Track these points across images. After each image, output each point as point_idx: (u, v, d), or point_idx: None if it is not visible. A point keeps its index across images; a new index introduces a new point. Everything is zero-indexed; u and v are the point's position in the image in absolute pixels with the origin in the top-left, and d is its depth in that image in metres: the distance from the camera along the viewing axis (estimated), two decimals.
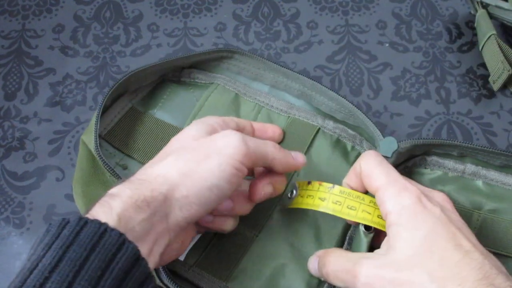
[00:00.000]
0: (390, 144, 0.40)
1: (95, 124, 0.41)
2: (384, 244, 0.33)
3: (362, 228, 0.37)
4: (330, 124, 0.45)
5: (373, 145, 0.43)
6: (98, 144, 0.40)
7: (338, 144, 0.44)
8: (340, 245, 0.40)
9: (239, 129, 0.39)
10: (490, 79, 0.49)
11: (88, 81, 0.51)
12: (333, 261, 0.35)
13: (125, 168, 0.43)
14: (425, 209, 0.31)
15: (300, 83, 0.45)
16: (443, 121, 0.48)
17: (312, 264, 0.37)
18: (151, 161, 0.34)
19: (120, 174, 0.42)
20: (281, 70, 0.45)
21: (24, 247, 0.43)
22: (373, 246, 0.38)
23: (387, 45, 0.53)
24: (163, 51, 0.52)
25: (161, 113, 0.46)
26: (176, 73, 0.48)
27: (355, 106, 0.42)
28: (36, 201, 0.44)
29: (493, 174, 0.42)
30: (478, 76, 0.51)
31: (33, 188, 0.45)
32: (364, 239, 0.36)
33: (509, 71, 0.46)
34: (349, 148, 0.44)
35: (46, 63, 0.52)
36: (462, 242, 0.30)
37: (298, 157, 0.38)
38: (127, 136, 0.44)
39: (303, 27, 0.54)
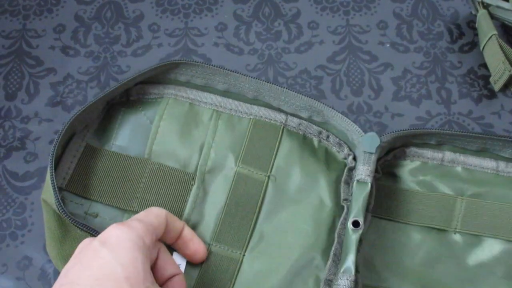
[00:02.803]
0: (372, 140, 0.39)
1: (51, 180, 0.37)
2: None
3: (350, 226, 0.37)
4: (294, 121, 0.44)
5: (342, 139, 0.43)
6: (60, 202, 0.37)
7: (305, 141, 0.44)
8: (328, 247, 0.40)
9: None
10: (491, 79, 0.49)
11: (89, 81, 0.50)
12: None
13: (95, 216, 0.41)
14: None
15: (255, 86, 0.43)
16: (444, 122, 0.48)
17: None
18: None
19: (92, 223, 0.40)
20: (231, 75, 0.43)
21: (25, 248, 0.43)
22: (362, 239, 0.39)
23: (388, 45, 0.53)
24: (164, 51, 0.52)
25: (119, 144, 0.43)
26: (123, 93, 0.45)
27: (327, 105, 0.41)
28: (37, 202, 0.44)
29: (472, 159, 0.43)
30: (479, 77, 0.51)
31: (34, 189, 0.45)
32: (352, 236, 0.37)
33: (510, 71, 0.46)
34: (315, 144, 0.44)
35: (47, 63, 0.52)
36: None
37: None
38: (89, 180, 0.41)
39: (304, 27, 0.54)
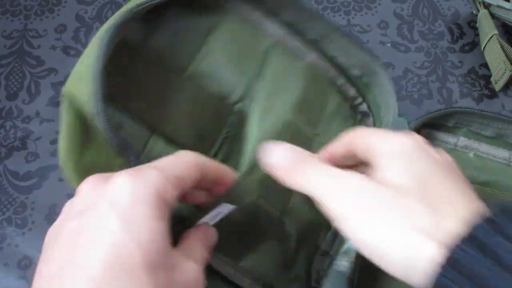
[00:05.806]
0: (401, 125, 0.41)
1: (96, 72, 0.29)
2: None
3: None
4: (341, 80, 0.43)
5: (371, 112, 0.43)
6: (100, 95, 0.28)
7: (343, 103, 0.43)
8: None
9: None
10: (492, 79, 0.49)
11: None
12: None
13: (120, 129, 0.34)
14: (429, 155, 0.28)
15: (319, 25, 0.41)
16: None
17: None
18: None
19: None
20: (300, 7, 0.39)
21: (26, 247, 0.43)
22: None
23: (389, 45, 0.53)
24: None
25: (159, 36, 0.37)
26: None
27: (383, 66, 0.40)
28: (38, 201, 0.44)
29: (485, 147, 0.43)
30: (480, 76, 0.51)
31: (35, 188, 0.45)
32: None
33: (511, 71, 0.46)
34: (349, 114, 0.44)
35: (48, 63, 0.52)
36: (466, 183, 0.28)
37: None
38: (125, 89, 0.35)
39: None
